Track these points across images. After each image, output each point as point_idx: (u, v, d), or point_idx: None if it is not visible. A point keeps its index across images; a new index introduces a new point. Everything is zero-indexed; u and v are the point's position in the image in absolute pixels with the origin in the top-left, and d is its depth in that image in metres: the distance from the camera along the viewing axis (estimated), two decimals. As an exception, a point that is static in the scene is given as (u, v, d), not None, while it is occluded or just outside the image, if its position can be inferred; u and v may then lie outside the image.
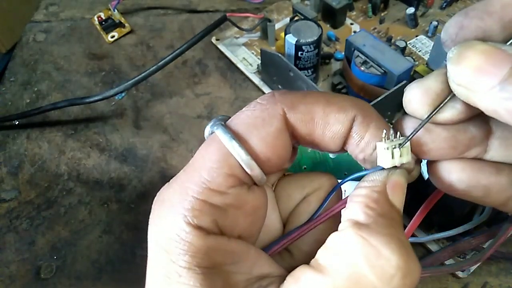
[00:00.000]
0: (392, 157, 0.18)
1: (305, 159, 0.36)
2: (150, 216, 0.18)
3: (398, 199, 0.18)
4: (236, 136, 0.18)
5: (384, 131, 0.18)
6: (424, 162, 0.21)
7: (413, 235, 0.32)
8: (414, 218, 0.23)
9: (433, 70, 0.43)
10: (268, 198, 0.21)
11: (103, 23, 0.54)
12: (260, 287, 0.17)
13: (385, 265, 0.15)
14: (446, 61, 0.16)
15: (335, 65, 0.47)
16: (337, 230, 0.17)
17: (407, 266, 0.15)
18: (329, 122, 0.18)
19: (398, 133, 0.18)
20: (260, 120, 0.18)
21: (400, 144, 0.18)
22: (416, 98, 0.17)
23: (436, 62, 0.43)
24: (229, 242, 0.17)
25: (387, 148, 0.18)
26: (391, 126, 0.19)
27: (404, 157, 0.18)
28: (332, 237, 0.16)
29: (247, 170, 0.18)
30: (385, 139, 0.18)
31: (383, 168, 0.18)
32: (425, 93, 0.17)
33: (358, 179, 0.19)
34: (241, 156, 0.17)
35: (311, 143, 0.19)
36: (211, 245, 0.16)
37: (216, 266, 0.17)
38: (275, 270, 0.18)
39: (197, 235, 0.16)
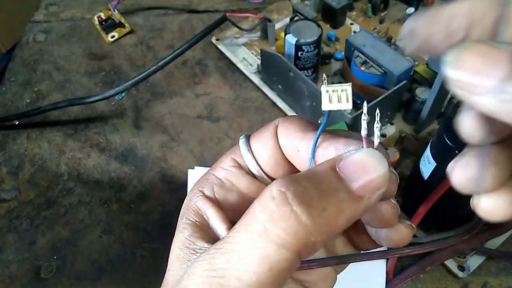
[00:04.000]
0: (330, 101, 0.18)
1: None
2: None
3: (350, 173, 0.17)
4: (248, 139, 0.22)
5: (324, 75, 0.19)
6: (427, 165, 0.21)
7: (413, 235, 0.32)
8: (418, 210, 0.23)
9: (433, 70, 0.44)
10: None
11: (103, 23, 0.54)
12: None
13: (266, 195, 0.16)
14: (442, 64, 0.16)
15: (335, 65, 0.47)
16: None
17: (294, 195, 0.15)
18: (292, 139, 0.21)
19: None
20: (263, 128, 0.22)
21: (342, 90, 0.18)
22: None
23: (436, 62, 0.43)
24: (214, 211, 0.20)
25: (327, 91, 0.18)
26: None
27: (343, 103, 0.18)
28: None
29: (244, 158, 0.22)
30: (325, 83, 0.18)
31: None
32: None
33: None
34: (242, 146, 0.22)
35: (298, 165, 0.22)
36: (201, 206, 0.20)
37: (200, 223, 0.20)
38: None
39: (198, 196, 0.21)
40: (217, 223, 0.20)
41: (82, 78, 0.50)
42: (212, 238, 0.19)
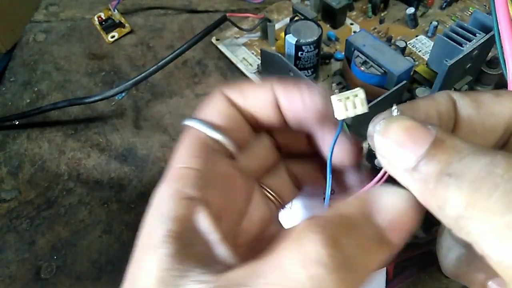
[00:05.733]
0: (346, 109, 0.18)
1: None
2: None
3: (385, 218, 0.16)
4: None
5: (334, 84, 0.19)
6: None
7: (413, 235, 0.32)
8: None
9: (433, 70, 0.44)
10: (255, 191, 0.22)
11: (103, 23, 0.54)
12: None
13: (305, 256, 0.15)
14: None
15: (335, 65, 0.47)
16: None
17: (334, 266, 0.15)
18: (256, 92, 0.21)
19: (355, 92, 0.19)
20: (208, 97, 0.21)
21: (354, 96, 0.18)
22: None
23: (436, 62, 0.43)
24: (204, 216, 0.18)
25: (340, 100, 0.18)
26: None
27: (358, 108, 0.18)
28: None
29: (206, 131, 0.20)
30: (336, 92, 0.18)
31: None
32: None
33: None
34: (197, 121, 0.20)
35: (250, 115, 0.21)
36: (184, 212, 0.18)
37: (185, 236, 0.18)
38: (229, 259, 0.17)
39: (179, 199, 0.18)
40: (214, 241, 0.17)
41: (82, 78, 0.50)
42: (205, 256, 0.17)
